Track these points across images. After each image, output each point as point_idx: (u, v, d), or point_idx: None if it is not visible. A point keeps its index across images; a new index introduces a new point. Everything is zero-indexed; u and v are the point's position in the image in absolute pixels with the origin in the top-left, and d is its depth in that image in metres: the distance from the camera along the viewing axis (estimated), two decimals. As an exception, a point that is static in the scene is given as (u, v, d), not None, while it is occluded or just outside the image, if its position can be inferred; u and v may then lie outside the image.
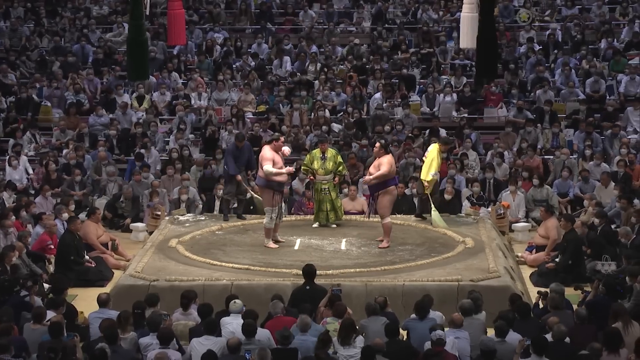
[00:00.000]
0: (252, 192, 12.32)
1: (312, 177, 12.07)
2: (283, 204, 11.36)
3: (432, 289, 9.70)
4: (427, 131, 16.04)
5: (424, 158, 12.21)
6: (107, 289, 10.56)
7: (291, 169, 11.22)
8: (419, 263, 10.54)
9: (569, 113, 16.65)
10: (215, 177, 14.50)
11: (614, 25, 19.31)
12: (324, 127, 16.06)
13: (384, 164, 11.08)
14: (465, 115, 16.91)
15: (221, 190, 13.03)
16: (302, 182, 14.42)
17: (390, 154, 11.37)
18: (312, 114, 16.84)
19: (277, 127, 16.43)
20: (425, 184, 11.81)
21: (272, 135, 11.56)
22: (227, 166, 12.25)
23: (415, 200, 13.11)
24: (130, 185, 14.34)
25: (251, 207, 13.23)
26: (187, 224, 12.35)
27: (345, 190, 13.67)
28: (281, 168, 11.11)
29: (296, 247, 11.27)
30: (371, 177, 11.07)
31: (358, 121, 16.54)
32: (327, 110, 16.89)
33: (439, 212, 12.65)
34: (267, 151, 11.12)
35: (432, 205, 11.87)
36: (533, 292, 10.60)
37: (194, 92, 17.62)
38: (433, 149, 12.01)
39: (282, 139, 11.46)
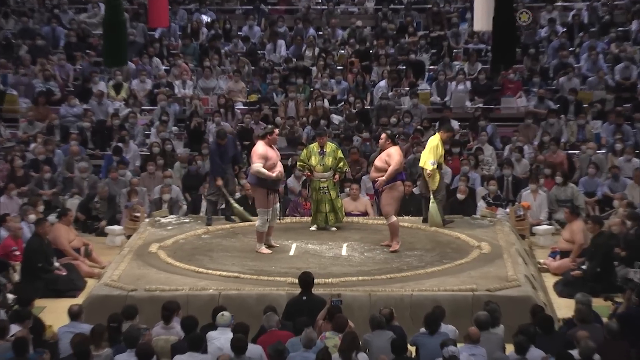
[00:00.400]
0: (231, 200, 12.23)
1: (309, 174, 11.99)
2: (278, 205, 11.27)
3: (443, 299, 9.63)
4: (438, 123, 15.96)
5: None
6: (79, 299, 10.49)
7: (281, 172, 11.08)
8: (429, 271, 10.47)
9: (595, 102, 16.61)
10: (201, 174, 14.45)
11: (646, 4, 19.27)
12: (322, 121, 15.99)
13: (393, 156, 10.99)
14: (481, 105, 16.85)
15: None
16: (298, 180, 14.35)
17: (398, 146, 11.31)
18: (310, 104, 16.77)
19: (270, 118, 16.37)
20: (428, 171, 11.73)
21: (265, 129, 11.46)
22: (211, 167, 12.22)
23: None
24: (106, 183, 14.28)
25: (241, 209, 13.16)
26: (169, 227, 12.30)
27: (347, 189, 13.61)
28: (275, 164, 11.01)
29: (291, 253, 11.22)
30: (384, 178, 10.93)
31: (360, 112, 16.48)
32: (326, 100, 16.83)
33: (452, 214, 12.57)
34: (259, 147, 11.03)
35: (432, 197, 11.82)
36: (557, 303, 10.56)
37: (178, 79, 17.56)
38: (434, 138, 11.99)
39: (277, 131, 11.37)
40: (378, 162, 11.18)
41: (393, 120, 15.97)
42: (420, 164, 11.94)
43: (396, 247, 11.13)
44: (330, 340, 8.31)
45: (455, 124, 16.11)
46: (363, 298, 9.80)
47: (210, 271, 10.50)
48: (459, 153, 14.98)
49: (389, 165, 11.02)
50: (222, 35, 19.11)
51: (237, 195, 13.44)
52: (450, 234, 11.83)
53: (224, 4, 20.21)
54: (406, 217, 12.53)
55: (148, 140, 16.02)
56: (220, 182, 12.14)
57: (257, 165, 10.90)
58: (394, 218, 11.12)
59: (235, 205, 12.28)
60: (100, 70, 17.68)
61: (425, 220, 12.22)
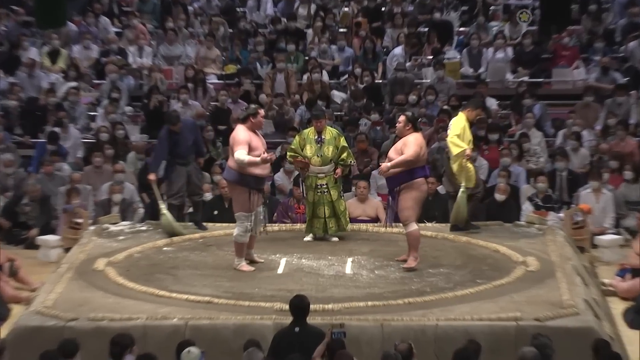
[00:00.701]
0: (161, 206, 12.20)
1: (301, 164, 11.94)
2: (262, 208, 11.24)
3: (478, 331, 9.59)
4: (470, 102, 15.92)
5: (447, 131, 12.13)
6: (1, 332, 10.39)
7: (271, 156, 11.08)
8: (458, 294, 10.43)
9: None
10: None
11: None
12: (320, 100, 15.95)
13: (410, 145, 10.98)
14: (526, 78, 16.86)
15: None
16: (288, 175, 14.36)
17: (420, 133, 11.27)
18: (304, 77, 16.73)
19: (253, 96, 16.34)
20: (468, 150, 11.74)
21: (247, 109, 11.43)
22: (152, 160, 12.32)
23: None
24: (38, 180, 14.28)
25: (215, 213, 13.11)
26: (120, 237, 12.31)
27: (353, 187, 13.59)
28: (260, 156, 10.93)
29: (280, 271, 11.21)
30: (390, 163, 10.95)
31: (370, 88, 16.49)
32: (325, 72, 16.81)
33: (489, 220, 12.57)
34: (240, 132, 11.01)
35: (462, 187, 11.88)
36: (627, 337, 10.50)
37: (133, 45, 17.58)
38: (458, 118, 12.05)
39: (262, 112, 11.30)
40: (393, 153, 11.13)
41: (412, 98, 15.95)
42: (453, 152, 11.90)
43: (413, 263, 11.09)
44: (331, 385, 8.28)
45: (492, 103, 16.09)
46: (373, 329, 9.76)
47: (174, 294, 10.45)
48: (497, 141, 14.96)
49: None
50: (190, -13, 19.12)
51: (209, 195, 13.39)
52: (486, 245, 11.79)
53: (192, -53, 20.21)
54: (429, 224, 12.48)
55: (94, 124, 16.04)
56: (153, 177, 12.23)
57: (241, 152, 10.82)
58: (414, 225, 11.07)
59: (165, 212, 12.24)
60: (31, 33, 17.65)
61: (454, 228, 12.18)
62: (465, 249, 11.79)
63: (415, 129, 11.21)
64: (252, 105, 11.76)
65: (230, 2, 18.84)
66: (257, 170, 10.97)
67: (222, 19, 18.16)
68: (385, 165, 11.05)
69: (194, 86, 16.45)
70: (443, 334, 9.69)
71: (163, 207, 12.27)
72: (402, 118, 11.25)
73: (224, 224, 12.50)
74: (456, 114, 15.07)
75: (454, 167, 11.99)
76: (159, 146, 12.36)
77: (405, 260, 11.20)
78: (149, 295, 10.50)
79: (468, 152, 11.81)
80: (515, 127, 15.73)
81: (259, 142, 11.03)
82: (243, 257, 11.19)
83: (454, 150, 11.91)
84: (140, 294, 10.56)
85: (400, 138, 11.21)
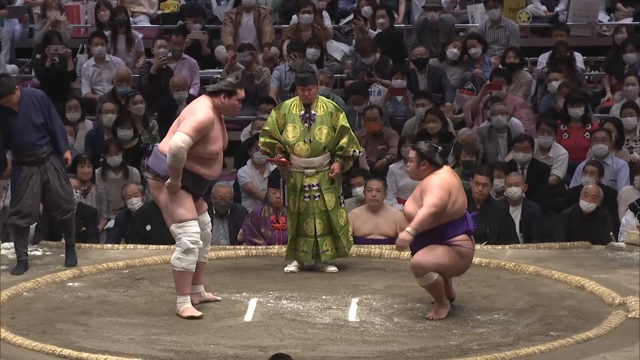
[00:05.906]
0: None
1: (282, 161, 12.11)
2: (208, 219, 11.34)
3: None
4: (547, 55, 16.06)
5: None
6: None
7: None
8: (522, 353, 10.50)
9: None
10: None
11: None
12: (310, 51, 16.12)
13: (430, 189, 10.80)
14: (628, 21, 17.06)
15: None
16: (259, 170, 14.55)
17: (447, 168, 11.08)
18: (284, 18, 16.92)
19: (204, 48, 16.39)
20: None
21: (221, 80, 11.10)
22: None
23: (514, 210, 13.14)
24: None
25: (147, 228, 13.16)
26: (2, 267, 12.43)
27: (359, 189, 13.74)
28: (218, 153, 10.99)
29: (248, 318, 11.30)
30: (408, 228, 10.76)
31: (386, 35, 16.63)
32: (322, 15, 16.98)
33: (568, 239, 12.71)
34: (205, 108, 10.91)
35: None
36: None
37: (20, -28, 17.71)
38: None
39: (242, 94, 10.99)
40: (411, 205, 11.00)
41: (452, 51, 16.06)
42: None
43: (433, 315, 11.20)
44: None
45: (578, 60, 16.10)
46: (391, 408, 9.89)
47: (85, 355, 10.51)
48: (583, 118, 15.05)
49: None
50: None
51: (137, 202, 13.48)
52: (565, 279, 11.96)
53: None
54: (478, 247, 12.57)
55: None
56: None
57: (184, 139, 10.72)
58: (434, 276, 11.02)
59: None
60: None
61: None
62: (532, 285, 11.94)
63: (437, 164, 10.97)
64: (230, 78, 11.35)
65: None
66: (203, 170, 10.98)
67: None
68: (403, 234, 10.85)
69: (112, 33, 16.51)
70: (498, 415, 9.86)
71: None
72: (412, 154, 11.04)
73: (162, 247, 12.66)
74: (519, 77, 15.26)
75: None
76: None
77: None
78: (46, 356, 10.49)
79: None
80: (611, 96, 15.80)
81: (221, 135, 11.04)
82: (188, 293, 11.25)
83: None
84: (33, 354, 10.55)
85: (419, 179, 11.02)
